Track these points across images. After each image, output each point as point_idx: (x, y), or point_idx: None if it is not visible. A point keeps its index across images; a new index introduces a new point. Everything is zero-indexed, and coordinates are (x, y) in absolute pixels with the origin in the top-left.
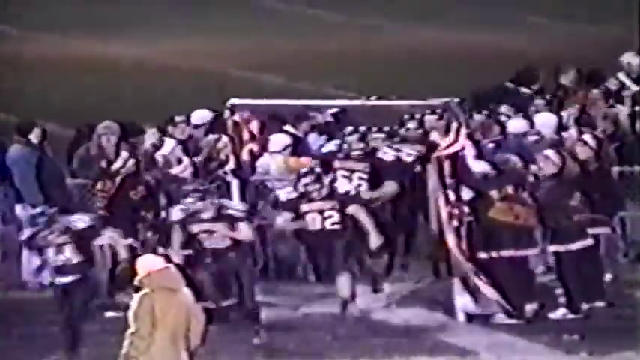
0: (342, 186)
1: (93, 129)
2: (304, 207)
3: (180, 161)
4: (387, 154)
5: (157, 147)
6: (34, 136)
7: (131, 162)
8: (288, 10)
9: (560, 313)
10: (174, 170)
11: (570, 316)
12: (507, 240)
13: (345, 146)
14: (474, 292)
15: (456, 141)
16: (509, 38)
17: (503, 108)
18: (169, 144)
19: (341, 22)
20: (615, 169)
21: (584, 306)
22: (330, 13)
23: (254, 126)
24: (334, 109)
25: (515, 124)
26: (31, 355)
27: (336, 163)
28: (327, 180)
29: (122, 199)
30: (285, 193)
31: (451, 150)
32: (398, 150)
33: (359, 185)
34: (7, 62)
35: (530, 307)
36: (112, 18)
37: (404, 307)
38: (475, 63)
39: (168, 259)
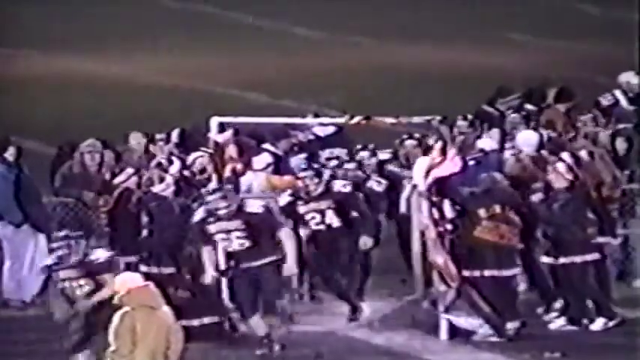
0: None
1: (74, 147)
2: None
3: (162, 179)
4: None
5: (161, 165)
6: (10, 154)
7: (134, 179)
8: (272, 28)
9: (559, 324)
10: (156, 188)
11: (569, 327)
12: (490, 259)
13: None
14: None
15: (443, 159)
16: (490, 56)
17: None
18: (177, 164)
19: (324, 39)
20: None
21: (585, 320)
22: (313, 31)
23: (232, 150)
24: (330, 130)
25: (488, 143)
26: None
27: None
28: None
29: (121, 213)
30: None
31: (446, 170)
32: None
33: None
34: None
35: (511, 326)
36: (94, 35)
37: (386, 326)
38: (457, 80)
39: (147, 277)
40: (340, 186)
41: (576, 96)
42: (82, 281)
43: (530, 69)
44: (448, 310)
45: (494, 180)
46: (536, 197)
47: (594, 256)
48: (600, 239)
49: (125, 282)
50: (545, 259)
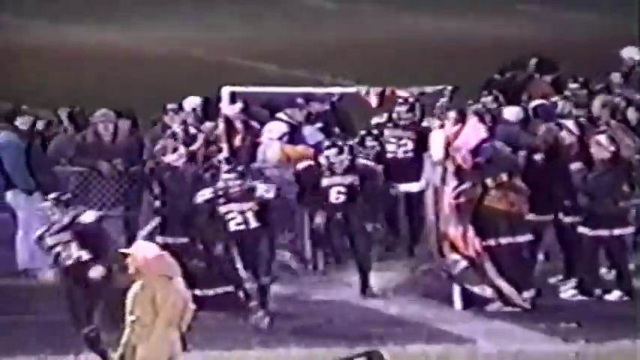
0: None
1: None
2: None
3: (175, 149)
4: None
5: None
6: (22, 123)
7: (184, 159)
8: None
9: (570, 293)
10: (168, 158)
11: (579, 297)
12: (503, 227)
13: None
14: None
15: (460, 128)
16: (502, 27)
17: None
18: (200, 139)
19: (336, 10)
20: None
21: (598, 291)
22: (325, 1)
23: (240, 121)
24: (335, 97)
25: (510, 112)
26: (29, 342)
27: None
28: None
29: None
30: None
31: (469, 139)
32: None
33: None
34: (5, 50)
35: (527, 295)
36: (107, 5)
37: (400, 296)
38: (470, 51)
39: (162, 246)
40: (363, 161)
41: (559, 66)
42: (72, 245)
43: (540, 40)
44: (460, 280)
45: (496, 149)
46: (574, 166)
47: (625, 230)
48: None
49: (143, 252)
50: (581, 229)
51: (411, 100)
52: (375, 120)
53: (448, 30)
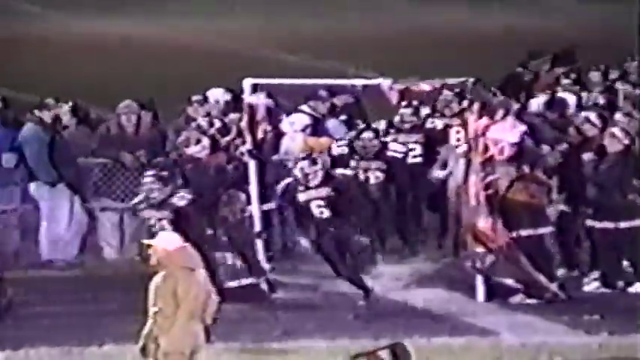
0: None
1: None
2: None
3: (198, 141)
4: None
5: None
6: (47, 115)
7: (207, 151)
8: None
9: (593, 286)
10: (191, 150)
11: (603, 290)
12: (525, 219)
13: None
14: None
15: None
16: (525, 18)
17: None
18: (218, 124)
19: (361, 1)
20: None
21: (620, 283)
22: None
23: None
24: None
25: (535, 103)
26: (53, 333)
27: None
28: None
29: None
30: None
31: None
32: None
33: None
34: (30, 41)
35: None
36: None
37: (424, 288)
38: (494, 42)
39: (185, 237)
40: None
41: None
42: (164, 222)
43: (563, 31)
44: (489, 272)
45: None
46: (586, 157)
47: (633, 223)
48: None
49: (165, 243)
50: (589, 222)
51: (415, 102)
52: (375, 125)
53: (473, 21)
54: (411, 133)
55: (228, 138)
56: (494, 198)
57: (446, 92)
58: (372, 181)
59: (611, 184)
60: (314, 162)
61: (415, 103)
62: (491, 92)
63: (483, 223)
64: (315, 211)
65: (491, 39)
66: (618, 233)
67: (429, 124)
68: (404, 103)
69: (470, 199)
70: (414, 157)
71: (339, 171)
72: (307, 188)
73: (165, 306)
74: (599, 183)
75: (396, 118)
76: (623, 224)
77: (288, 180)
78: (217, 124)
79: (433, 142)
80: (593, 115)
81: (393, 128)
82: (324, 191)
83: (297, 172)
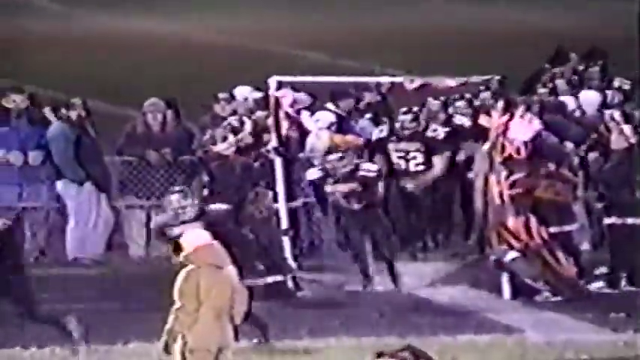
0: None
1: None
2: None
3: (225, 138)
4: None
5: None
6: (74, 113)
7: (233, 148)
8: None
9: (596, 285)
10: (218, 147)
11: (607, 290)
12: (551, 216)
13: (397, 127)
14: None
15: (510, 119)
16: (551, 16)
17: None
18: (248, 125)
19: None
20: None
21: (624, 283)
22: None
23: (288, 102)
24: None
25: (571, 101)
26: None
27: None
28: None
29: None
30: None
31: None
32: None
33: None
34: (54, 39)
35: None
36: None
37: (449, 285)
38: (518, 41)
39: (214, 235)
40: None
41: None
42: None
43: (591, 30)
44: (510, 270)
45: (543, 139)
46: (591, 156)
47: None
48: None
49: (192, 240)
50: (608, 220)
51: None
52: (375, 135)
53: (498, 18)
54: (410, 140)
55: (246, 134)
56: (524, 196)
57: (470, 90)
58: (412, 167)
59: (617, 182)
60: (342, 157)
61: (441, 98)
62: (518, 90)
63: (513, 222)
64: (342, 202)
65: (518, 36)
66: (631, 230)
67: (430, 132)
68: (404, 109)
69: (494, 197)
70: (417, 165)
71: (366, 166)
72: (335, 182)
73: (188, 303)
74: (605, 181)
75: (397, 125)
76: (630, 220)
77: (318, 173)
78: (244, 121)
79: (432, 150)
80: (617, 114)
81: (393, 135)
82: (352, 185)
83: (327, 165)
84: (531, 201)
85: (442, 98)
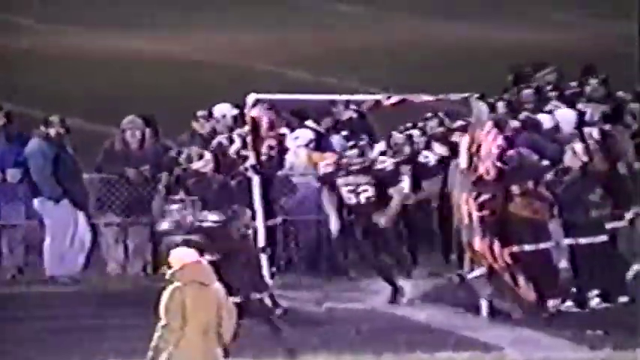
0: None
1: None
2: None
3: (201, 156)
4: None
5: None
6: (53, 130)
7: (211, 165)
8: (314, 5)
9: (564, 305)
10: (195, 165)
11: (575, 310)
12: (527, 234)
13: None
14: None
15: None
16: (529, 33)
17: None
18: (237, 142)
19: (364, 16)
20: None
21: (594, 302)
22: (356, 8)
23: (265, 121)
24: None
25: (547, 119)
26: (56, 349)
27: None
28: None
29: None
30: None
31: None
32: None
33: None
34: (30, 56)
35: (553, 303)
36: (135, 12)
37: (427, 304)
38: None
39: (201, 252)
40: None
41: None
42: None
43: (568, 46)
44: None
45: (523, 156)
46: (549, 176)
47: (602, 238)
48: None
49: (180, 257)
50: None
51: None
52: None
53: (476, 36)
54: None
55: (232, 152)
56: (490, 218)
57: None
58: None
59: (572, 202)
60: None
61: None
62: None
63: (479, 243)
64: (346, 195)
65: (496, 53)
66: (588, 250)
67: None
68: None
69: (464, 217)
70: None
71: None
72: (348, 173)
73: (173, 320)
74: (561, 201)
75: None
76: (583, 240)
77: (330, 166)
78: (222, 139)
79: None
80: (595, 131)
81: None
82: (363, 179)
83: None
84: (498, 222)
85: (408, 129)
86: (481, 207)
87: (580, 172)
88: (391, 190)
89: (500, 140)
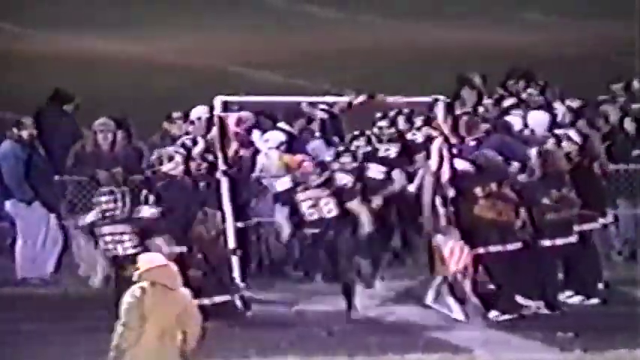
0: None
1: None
2: (300, 195)
3: (171, 158)
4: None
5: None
6: (25, 132)
7: (181, 168)
8: (286, 7)
9: (534, 306)
10: (165, 167)
11: (545, 311)
12: (493, 235)
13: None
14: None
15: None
16: (503, 35)
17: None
18: (201, 144)
19: (338, 19)
20: (612, 167)
21: (566, 301)
22: (327, 10)
23: (233, 122)
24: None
25: (517, 121)
26: (28, 352)
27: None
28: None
29: None
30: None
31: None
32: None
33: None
34: (4, 59)
35: (533, 304)
36: (109, 15)
37: (398, 305)
38: (471, 60)
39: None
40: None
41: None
42: (125, 237)
43: (544, 48)
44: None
45: (487, 158)
46: (520, 177)
47: (571, 239)
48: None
49: (148, 260)
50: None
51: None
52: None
53: (449, 39)
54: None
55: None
56: (452, 219)
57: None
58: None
59: (535, 203)
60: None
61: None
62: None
63: (442, 243)
64: (306, 211)
65: (470, 55)
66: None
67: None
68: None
69: (430, 218)
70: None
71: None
72: (306, 189)
73: (131, 319)
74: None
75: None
76: (559, 241)
77: (288, 182)
78: (197, 141)
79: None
80: (572, 132)
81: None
82: (323, 193)
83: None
84: (472, 220)
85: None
86: (445, 209)
87: (542, 175)
88: (350, 205)
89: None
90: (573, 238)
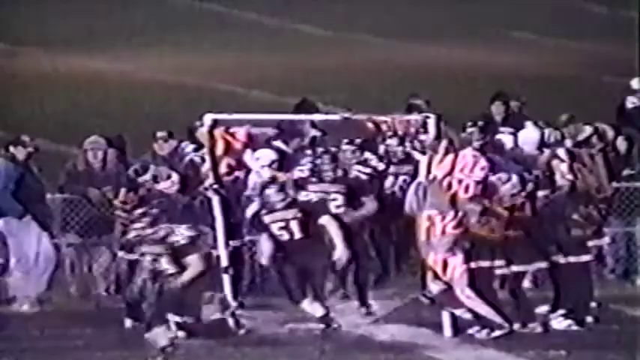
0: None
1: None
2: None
3: (168, 176)
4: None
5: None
6: (20, 152)
7: (177, 187)
8: (276, 26)
9: (565, 323)
10: (161, 185)
11: (575, 327)
12: (485, 253)
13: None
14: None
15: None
16: (494, 55)
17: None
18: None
19: (328, 37)
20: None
21: (558, 322)
22: (317, 29)
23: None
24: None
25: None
26: None
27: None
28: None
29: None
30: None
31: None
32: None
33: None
34: None
35: (517, 323)
36: (98, 33)
37: (390, 323)
38: (461, 79)
39: None
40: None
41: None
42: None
43: (535, 69)
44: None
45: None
46: (541, 193)
47: (587, 257)
48: (592, 242)
49: None
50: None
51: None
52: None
53: (440, 58)
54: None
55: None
56: (450, 234)
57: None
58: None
59: (557, 219)
60: (281, 189)
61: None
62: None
63: (433, 257)
64: (277, 233)
65: (463, 75)
66: (572, 268)
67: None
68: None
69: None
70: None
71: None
72: (272, 211)
73: None
74: (548, 218)
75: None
76: (570, 259)
77: (256, 207)
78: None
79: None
80: (561, 151)
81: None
82: (290, 214)
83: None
84: (459, 240)
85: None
86: (445, 225)
87: (566, 191)
88: (321, 221)
89: (483, 161)
90: (591, 256)
